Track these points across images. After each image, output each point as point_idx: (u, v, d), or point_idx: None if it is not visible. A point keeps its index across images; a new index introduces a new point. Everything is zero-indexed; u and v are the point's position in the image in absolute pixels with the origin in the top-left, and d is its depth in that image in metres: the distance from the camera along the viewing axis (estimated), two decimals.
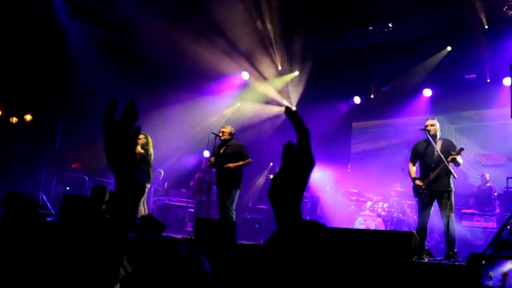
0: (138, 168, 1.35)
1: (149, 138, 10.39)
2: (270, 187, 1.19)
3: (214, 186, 9.80)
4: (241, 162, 8.91)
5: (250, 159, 9.05)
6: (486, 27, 10.79)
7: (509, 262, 1.48)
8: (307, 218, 12.86)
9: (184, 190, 13.39)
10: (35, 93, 12.07)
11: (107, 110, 1.37)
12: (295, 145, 1.19)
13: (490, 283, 1.40)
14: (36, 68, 11.73)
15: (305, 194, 12.74)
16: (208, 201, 11.69)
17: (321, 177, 13.88)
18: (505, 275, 1.45)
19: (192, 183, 12.63)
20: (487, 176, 11.48)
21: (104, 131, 1.35)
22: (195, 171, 12.89)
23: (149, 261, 1.58)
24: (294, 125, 1.22)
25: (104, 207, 6.42)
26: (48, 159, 11.39)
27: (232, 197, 8.78)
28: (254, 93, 14.74)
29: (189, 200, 12.98)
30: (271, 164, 15.70)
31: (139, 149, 10.12)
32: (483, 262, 1.44)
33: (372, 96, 14.11)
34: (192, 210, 12.89)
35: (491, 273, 1.42)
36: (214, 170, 10.59)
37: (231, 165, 8.81)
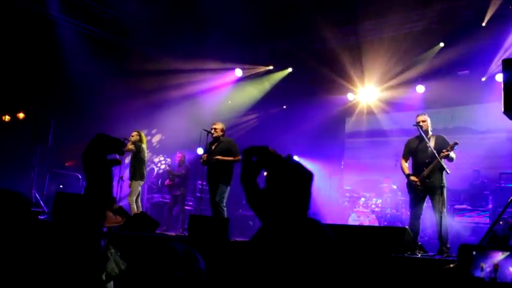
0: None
1: (142, 135, 10.37)
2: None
3: (200, 182, 9.80)
4: (230, 158, 8.89)
5: (240, 157, 9.02)
6: (484, 24, 10.80)
7: (500, 253, 1.48)
8: None
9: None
10: (27, 91, 12.02)
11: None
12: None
13: (481, 274, 1.40)
14: (28, 66, 11.68)
15: None
16: (183, 196, 11.66)
17: (314, 173, 13.87)
18: (496, 266, 1.45)
19: (167, 181, 12.52)
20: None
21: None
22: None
23: (145, 258, 1.58)
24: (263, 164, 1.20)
25: None
26: (41, 157, 11.35)
27: (222, 194, 8.77)
28: (247, 90, 14.74)
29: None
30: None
31: (129, 145, 10.09)
32: (474, 253, 1.44)
33: (366, 93, 14.12)
34: (187, 207, 12.85)
35: (483, 265, 1.42)
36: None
37: (220, 157, 8.81)
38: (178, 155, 12.35)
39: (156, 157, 14.33)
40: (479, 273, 1.45)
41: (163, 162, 14.54)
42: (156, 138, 14.78)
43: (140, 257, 1.59)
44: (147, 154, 10.48)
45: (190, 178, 12.21)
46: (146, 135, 10.59)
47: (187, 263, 1.56)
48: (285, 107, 15.72)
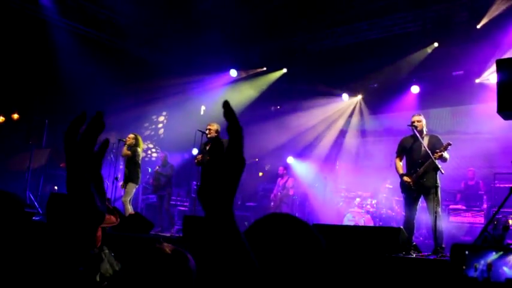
0: (98, 195, 1.22)
1: (139, 138, 10.30)
2: (199, 186, 1.15)
3: (194, 183, 9.79)
4: None
5: None
6: (478, 26, 10.82)
7: (493, 253, 1.47)
8: (296, 214, 12.86)
9: (173, 188, 13.31)
10: (21, 92, 11.98)
11: (71, 124, 1.22)
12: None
13: (475, 274, 1.39)
14: (23, 67, 11.64)
15: (294, 191, 12.81)
16: (169, 196, 11.63)
17: (309, 174, 13.89)
18: (489, 266, 1.44)
19: (151, 179, 12.48)
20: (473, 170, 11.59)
21: (65, 148, 1.20)
22: (181, 169, 12.77)
23: (135, 258, 1.57)
24: (227, 121, 1.11)
25: None
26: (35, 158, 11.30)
27: None
28: (241, 91, 14.73)
29: (178, 198, 12.91)
30: (256, 159, 15.70)
31: (125, 151, 10.03)
32: (466, 253, 1.43)
33: (361, 94, 14.15)
34: (182, 208, 12.82)
35: (476, 264, 1.41)
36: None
37: None
38: (161, 155, 12.32)
39: (145, 143, 14.26)
40: (472, 273, 1.44)
41: (153, 150, 14.48)
42: (151, 140, 14.79)
43: (130, 257, 1.58)
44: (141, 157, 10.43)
45: (182, 179, 12.18)
46: (140, 136, 10.52)
47: (177, 263, 1.55)
48: (279, 107, 15.73)
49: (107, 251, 5.88)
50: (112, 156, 10.99)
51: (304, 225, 1.24)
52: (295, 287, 1.10)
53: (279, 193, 12.87)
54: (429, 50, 12.03)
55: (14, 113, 12.43)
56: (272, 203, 12.92)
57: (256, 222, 1.28)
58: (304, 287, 1.12)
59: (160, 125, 14.29)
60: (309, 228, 1.24)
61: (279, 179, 13.17)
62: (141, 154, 10.34)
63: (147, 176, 13.35)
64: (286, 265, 1.11)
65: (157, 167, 12.13)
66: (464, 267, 1.37)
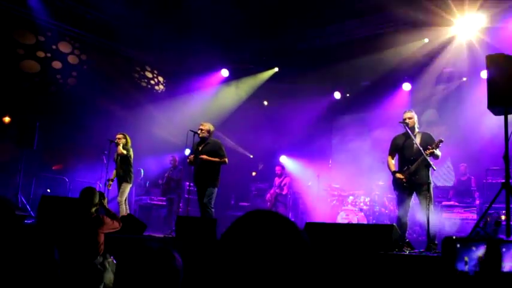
0: None
1: (128, 138, 10.27)
2: None
3: (187, 183, 9.80)
4: (216, 159, 8.87)
5: (226, 159, 9.00)
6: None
7: (484, 246, 1.47)
8: (289, 213, 12.88)
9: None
10: (12, 94, 11.91)
11: None
12: None
13: (466, 268, 1.38)
14: (12, 69, 11.58)
15: (287, 189, 12.81)
16: (179, 199, 11.63)
17: (302, 172, 13.90)
18: (480, 259, 1.44)
19: (160, 181, 12.53)
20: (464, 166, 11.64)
21: None
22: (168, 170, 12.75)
23: (123, 258, 1.57)
24: None
25: (93, 209, 6.28)
26: (26, 160, 11.22)
27: (210, 195, 8.75)
28: (234, 90, 14.72)
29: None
30: (251, 156, 15.71)
31: (121, 149, 9.98)
32: (458, 246, 1.42)
33: (353, 92, 14.16)
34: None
35: (467, 258, 1.41)
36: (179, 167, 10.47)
37: (205, 157, 8.77)
38: (170, 158, 12.32)
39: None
40: (463, 267, 1.44)
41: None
42: (143, 140, 14.70)
43: (119, 257, 1.58)
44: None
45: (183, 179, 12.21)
46: (133, 137, 10.49)
47: (164, 261, 1.54)
48: (270, 105, 15.76)
49: (110, 259, 5.83)
50: (104, 158, 10.93)
51: (288, 223, 1.22)
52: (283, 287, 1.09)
53: (275, 192, 12.87)
54: (420, 46, 12.05)
55: (5, 116, 12.35)
56: (268, 203, 12.91)
57: (237, 221, 1.26)
58: (292, 287, 1.11)
59: (151, 124, 14.24)
60: (293, 226, 1.22)
61: (276, 178, 13.15)
62: (132, 153, 10.31)
63: (139, 178, 13.30)
64: (270, 265, 1.10)
65: (169, 171, 12.18)
66: (455, 261, 1.37)
